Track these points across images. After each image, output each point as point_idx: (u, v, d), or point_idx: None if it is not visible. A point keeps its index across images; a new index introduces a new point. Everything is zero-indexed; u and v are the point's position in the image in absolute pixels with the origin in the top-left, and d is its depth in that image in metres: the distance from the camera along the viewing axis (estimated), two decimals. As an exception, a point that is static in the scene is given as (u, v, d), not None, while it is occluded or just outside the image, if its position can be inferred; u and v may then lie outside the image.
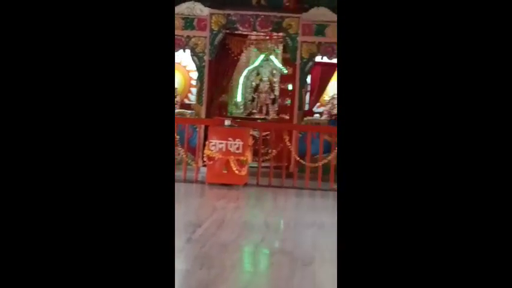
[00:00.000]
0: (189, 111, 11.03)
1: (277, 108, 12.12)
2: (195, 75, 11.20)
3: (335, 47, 10.36)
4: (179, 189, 9.03)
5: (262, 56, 12.28)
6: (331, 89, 11.60)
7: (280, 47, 11.57)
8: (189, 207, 7.99)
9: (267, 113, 12.26)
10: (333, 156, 9.41)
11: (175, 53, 11.32)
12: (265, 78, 12.64)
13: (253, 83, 12.71)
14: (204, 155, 9.35)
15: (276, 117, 11.91)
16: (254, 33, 10.97)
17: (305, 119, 10.76)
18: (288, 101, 11.30)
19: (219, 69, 10.87)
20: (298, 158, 9.70)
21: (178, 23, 10.64)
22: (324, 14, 10.45)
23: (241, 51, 11.19)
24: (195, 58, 10.78)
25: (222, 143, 9.04)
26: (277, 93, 12.30)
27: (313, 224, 6.77)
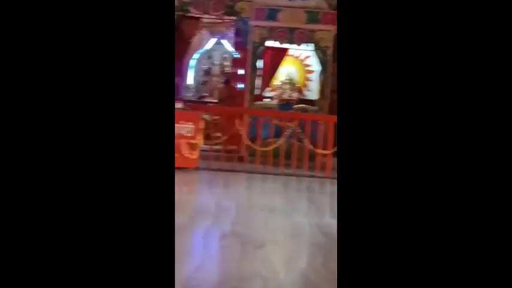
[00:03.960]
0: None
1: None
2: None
3: (287, 32, 10.42)
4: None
5: (214, 40, 12.25)
6: (282, 73, 11.66)
7: (233, 30, 11.56)
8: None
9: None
10: (282, 140, 9.50)
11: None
12: (216, 62, 12.62)
13: (205, 67, 12.68)
14: (155, 138, 9.30)
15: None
16: (207, 16, 10.92)
17: (255, 103, 10.79)
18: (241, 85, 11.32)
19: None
20: (249, 142, 9.75)
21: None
22: (277, -1, 10.48)
23: (194, 34, 11.14)
24: (147, 40, 10.66)
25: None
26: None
27: (264, 207, 6.84)
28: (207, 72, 12.67)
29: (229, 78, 11.99)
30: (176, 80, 11.68)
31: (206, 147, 9.69)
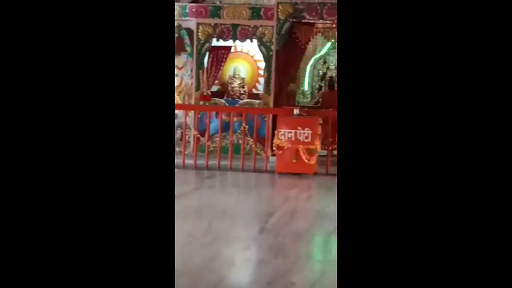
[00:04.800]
0: (257, 101, 11.09)
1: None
2: (262, 64, 11.23)
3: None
4: (249, 179, 9.12)
5: (329, 44, 12.20)
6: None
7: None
8: (260, 197, 8.06)
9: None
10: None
11: (243, 43, 11.40)
12: (332, 67, 12.56)
13: (320, 72, 12.66)
14: (274, 145, 9.38)
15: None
16: (321, 21, 10.90)
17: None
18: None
19: (287, 58, 10.86)
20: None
21: (245, 13, 10.71)
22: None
23: (309, 40, 11.15)
24: (263, 48, 10.80)
25: (291, 132, 9.05)
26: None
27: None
28: (323, 78, 12.64)
29: (334, 83, 11.89)
30: (292, 86, 11.73)
31: (324, 152, 9.65)
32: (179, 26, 10.90)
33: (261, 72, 11.54)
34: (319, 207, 7.20)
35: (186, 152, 9.86)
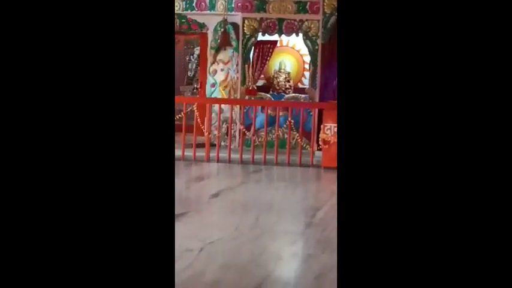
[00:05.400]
0: (303, 96, 11.06)
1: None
2: (308, 59, 11.19)
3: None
4: (295, 173, 9.11)
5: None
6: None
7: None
8: (306, 192, 8.03)
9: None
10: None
11: (288, 37, 11.37)
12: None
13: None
14: (319, 139, 9.35)
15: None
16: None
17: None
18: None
19: (332, 52, 10.78)
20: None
21: (291, 7, 10.69)
22: None
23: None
24: (308, 42, 10.77)
25: (337, 127, 9.01)
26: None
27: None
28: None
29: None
30: (335, 82, 11.66)
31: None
32: (225, 20, 10.94)
33: (307, 66, 11.48)
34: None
35: (231, 147, 9.90)
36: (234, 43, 10.96)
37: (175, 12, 11.10)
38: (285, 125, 9.83)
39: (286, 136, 9.97)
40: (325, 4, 10.56)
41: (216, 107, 10.30)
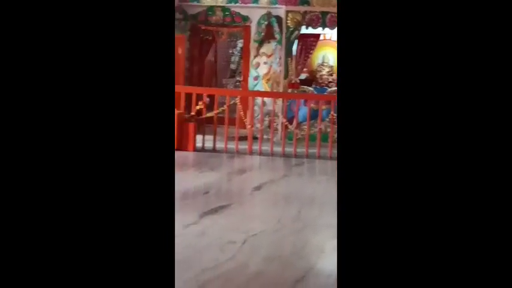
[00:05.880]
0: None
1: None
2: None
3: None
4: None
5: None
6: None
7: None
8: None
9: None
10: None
11: (332, 31, 11.32)
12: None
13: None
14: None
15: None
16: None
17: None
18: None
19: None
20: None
21: (334, 0, 10.63)
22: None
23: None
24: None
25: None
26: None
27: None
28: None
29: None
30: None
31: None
32: (269, 13, 10.95)
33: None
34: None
35: (274, 140, 9.92)
36: (277, 36, 10.97)
37: (219, 4, 11.16)
38: (327, 119, 9.81)
39: (328, 130, 9.96)
40: (369, -3, 10.49)
41: (258, 100, 10.34)
